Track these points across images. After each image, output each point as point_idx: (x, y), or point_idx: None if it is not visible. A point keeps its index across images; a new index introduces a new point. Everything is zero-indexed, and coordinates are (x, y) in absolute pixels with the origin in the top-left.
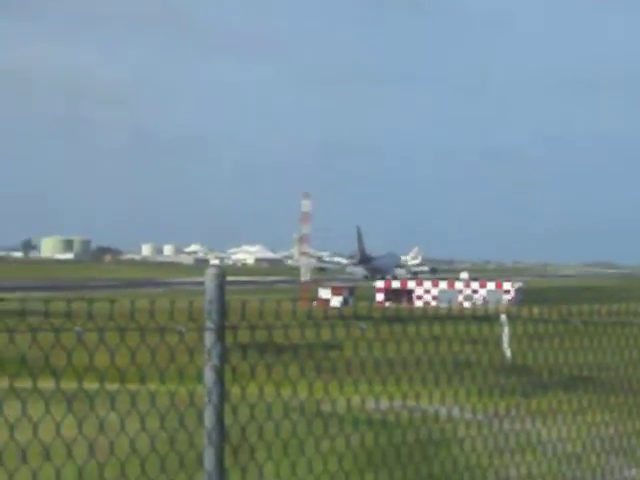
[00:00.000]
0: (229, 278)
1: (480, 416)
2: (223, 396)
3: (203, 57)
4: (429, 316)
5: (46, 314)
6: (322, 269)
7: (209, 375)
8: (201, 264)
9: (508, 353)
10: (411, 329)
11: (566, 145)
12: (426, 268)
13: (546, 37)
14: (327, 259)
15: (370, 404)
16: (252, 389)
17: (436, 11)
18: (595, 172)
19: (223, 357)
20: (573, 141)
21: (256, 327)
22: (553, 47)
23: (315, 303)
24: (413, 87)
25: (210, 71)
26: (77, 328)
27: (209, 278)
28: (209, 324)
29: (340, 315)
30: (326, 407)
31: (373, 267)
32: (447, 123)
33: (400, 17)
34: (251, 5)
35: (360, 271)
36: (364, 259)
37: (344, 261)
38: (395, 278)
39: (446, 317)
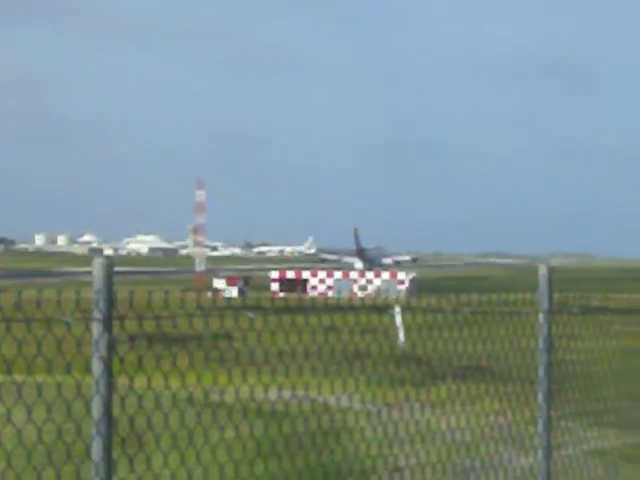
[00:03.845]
0: (122, 268)
1: (369, 406)
2: (111, 387)
3: (99, 44)
4: (319, 306)
5: None
6: (323, 260)
7: (96, 366)
8: (95, 254)
9: (403, 343)
10: (301, 319)
11: (466, 135)
12: (408, 257)
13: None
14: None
15: (259, 394)
16: (140, 380)
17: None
18: (492, 164)
19: (111, 348)
20: (473, 131)
21: (144, 317)
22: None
23: (209, 293)
24: (312, 76)
25: (108, 59)
26: None
27: (97, 268)
28: (96, 314)
29: (229, 305)
30: (215, 397)
31: (366, 257)
32: (349, 113)
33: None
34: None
35: (356, 261)
36: (360, 251)
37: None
38: (382, 266)
39: (337, 307)
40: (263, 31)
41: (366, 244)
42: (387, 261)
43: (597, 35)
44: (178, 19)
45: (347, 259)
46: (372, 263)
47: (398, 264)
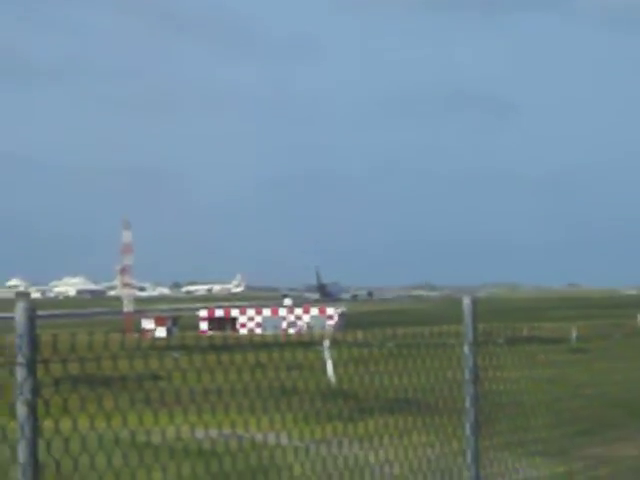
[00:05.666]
0: (51, 312)
1: (297, 442)
2: (36, 430)
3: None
4: (245, 343)
5: None
6: (285, 295)
7: (21, 410)
8: (21, 298)
9: (332, 378)
10: (228, 357)
11: (377, 168)
12: (365, 292)
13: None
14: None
15: (186, 434)
16: (66, 423)
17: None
18: (412, 194)
19: (35, 391)
20: (385, 163)
21: (68, 360)
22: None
23: (137, 334)
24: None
25: (19, 100)
26: None
27: (19, 312)
28: (20, 358)
29: (153, 345)
30: (141, 438)
31: (326, 292)
32: (260, 146)
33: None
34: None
35: (314, 295)
36: (321, 287)
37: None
38: (339, 299)
39: (263, 344)
40: (174, 66)
41: (325, 280)
42: (345, 296)
43: (509, 63)
44: (85, 57)
45: (308, 294)
46: (332, 298)
47: (355, 297)
